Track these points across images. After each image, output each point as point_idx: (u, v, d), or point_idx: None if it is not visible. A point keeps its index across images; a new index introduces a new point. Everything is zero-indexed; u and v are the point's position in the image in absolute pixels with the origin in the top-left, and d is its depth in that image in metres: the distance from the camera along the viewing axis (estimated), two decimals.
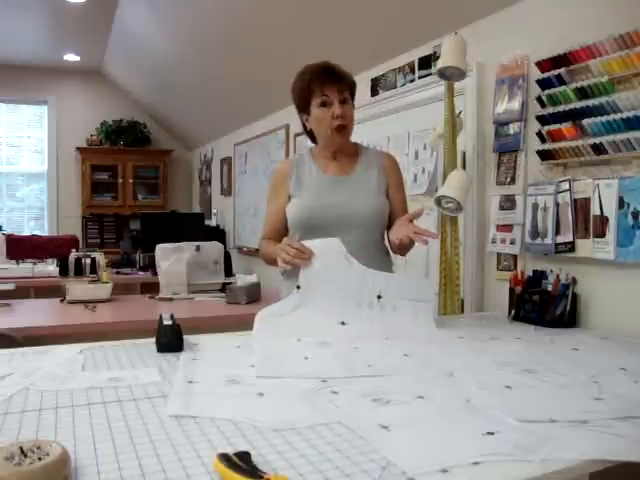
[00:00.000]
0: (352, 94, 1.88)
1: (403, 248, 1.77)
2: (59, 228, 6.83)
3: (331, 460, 0.80)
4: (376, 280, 1.68)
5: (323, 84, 1.81)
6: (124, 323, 2.35)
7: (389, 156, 2.03)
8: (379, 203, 1.87)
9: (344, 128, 1.84)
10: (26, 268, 3.91)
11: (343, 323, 1.60)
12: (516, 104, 2.21)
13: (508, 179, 2.27)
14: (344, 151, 1.92)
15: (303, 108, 1.89)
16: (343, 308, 1.63)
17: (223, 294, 2.87)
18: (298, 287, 1.67)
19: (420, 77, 2.83)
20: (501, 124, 2.29)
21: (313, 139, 1.97)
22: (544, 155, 2.07)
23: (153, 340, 1.48)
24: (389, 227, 1.86)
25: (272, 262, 1.87)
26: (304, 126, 1.95)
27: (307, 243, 1.69)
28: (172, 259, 2.96)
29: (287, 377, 1.21)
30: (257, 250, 2.06)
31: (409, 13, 2.67)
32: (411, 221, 1.69)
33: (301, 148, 1.98)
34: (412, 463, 0.78)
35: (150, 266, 3.95)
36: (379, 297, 1.67)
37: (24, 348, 1.50)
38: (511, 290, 2.07)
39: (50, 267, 4.08)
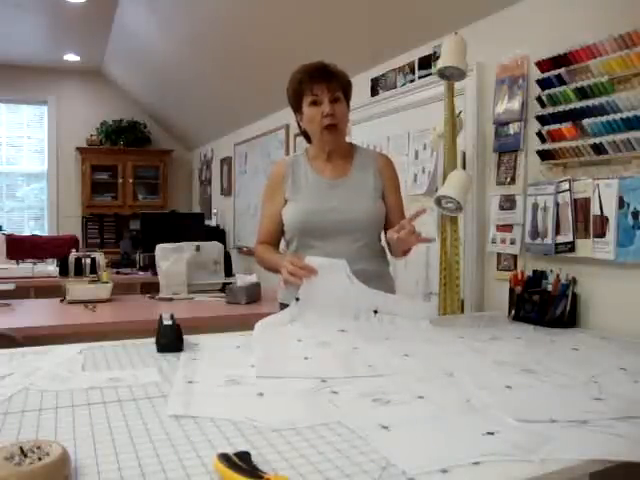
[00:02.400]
0: (346, 94, 1.86)
1: (402, 249, 1.76)
2: (59, 228, 6.83)
3: (331, 460, 0.80)
4: (374, 298, 1.70)
5: (313, 83, 1.80)
6: (124, 323, 2.35)
7: (384, 157, 2.02)
8: (375, 207, 1.86)
9: (334, 127, 1.82)
10: (26, 268, 3.91)
11: (343, 331, 1.60)
12: (516, 104, 2.20)
13: (508, 179, 2.27)
14: (339, 152, 1.91)
15: (297, 108, 1.89)
16: (341, 320, 1.64)
17: (223, 294, 2.87)
18: (297, 299, 1.67)
19: (420, 77, 2.83)
20: (501, 124, 2.29)
21: (308, 139, 1.96)
22: (544, 155, 2.07)
23: (153, 340, 1.48)
24: (386, 228, 1.85)
25: (270, 269, 1.87)
26: (299, 126, 1.95)
27: (312, 261, 1.68)
28: (172, 259, 2.96)
29: (287, 377, 1.20)
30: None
31: (409, 13, 2.67)
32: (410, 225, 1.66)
33: (301, 148, 1.97)
34: (412, 463, 0.78)
35: (150, 266, 3.95)
36: (375, 312, 1.69)
37: (24, 348, 1.50)
38: (511, 290, 2.07)
39: (50, 267, 4.08)
